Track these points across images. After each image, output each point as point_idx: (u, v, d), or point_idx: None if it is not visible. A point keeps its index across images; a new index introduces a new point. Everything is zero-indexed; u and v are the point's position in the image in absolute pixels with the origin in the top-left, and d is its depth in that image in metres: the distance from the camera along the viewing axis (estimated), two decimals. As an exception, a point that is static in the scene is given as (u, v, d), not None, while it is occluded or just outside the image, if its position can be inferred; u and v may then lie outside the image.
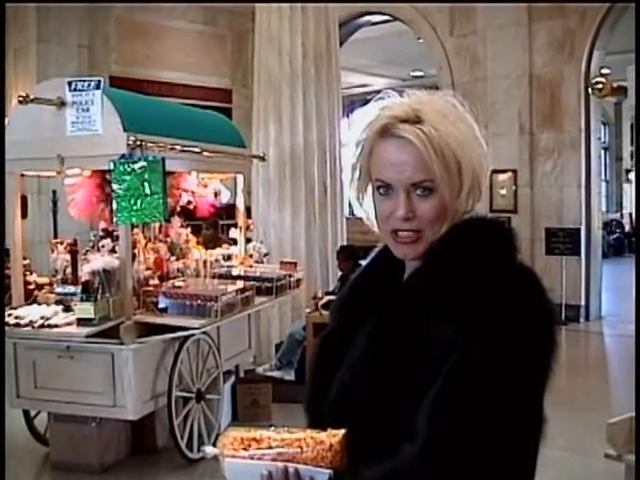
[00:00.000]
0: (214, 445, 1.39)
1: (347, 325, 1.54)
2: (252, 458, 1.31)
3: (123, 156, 4.83)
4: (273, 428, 1.35)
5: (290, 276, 6.49)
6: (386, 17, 12.61)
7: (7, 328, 4.89)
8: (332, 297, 6.69)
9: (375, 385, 1.40)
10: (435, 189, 1.41)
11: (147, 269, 5.40)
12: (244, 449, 1.32)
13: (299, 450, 1.30)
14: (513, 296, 1.35)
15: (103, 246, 5.42)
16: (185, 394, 5.36)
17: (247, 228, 7.02)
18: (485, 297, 1.34)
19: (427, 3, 11.57)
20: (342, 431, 1.32)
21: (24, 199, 6.47)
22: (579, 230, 10.54)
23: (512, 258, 1.44)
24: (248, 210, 7.43)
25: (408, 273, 1.50)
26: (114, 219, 4.97)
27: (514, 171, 10.87)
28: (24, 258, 5.63)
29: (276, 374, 7.06)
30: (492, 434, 1.28)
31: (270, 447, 1.31)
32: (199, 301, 5.07)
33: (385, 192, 1.45)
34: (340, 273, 7.43)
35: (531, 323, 1.34)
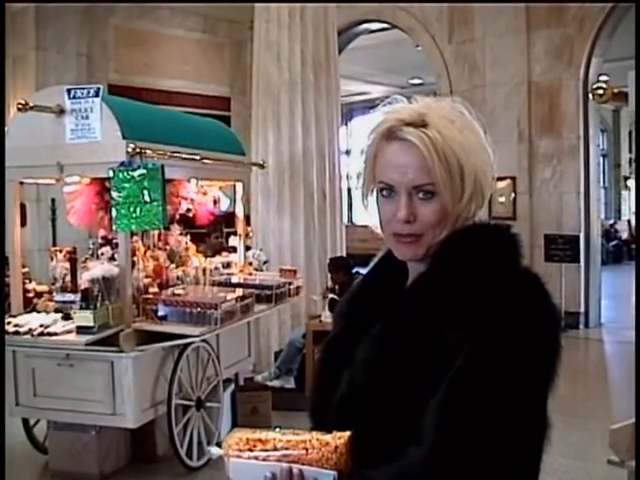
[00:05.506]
0: (219, 446, 1.38)
1: (351, 330, 1.54)
2: (257, 459, 1.31)
3: (122, 163, 4.82)
4: (279, 429, 1.35)
5: (290, 284, 6.47)
6: (384, 25, 12.62)
7: (6, 336, 4.87)
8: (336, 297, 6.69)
9: (381, 388, 1.39)
10: (437, 193, 1.41)
11: (146, 277, 5.38)
12: (249, 450, 1.31)
13: (304, 451, 1.30)
14: (518, 301, 1.35)
15: (102, 254, 5.41)
16: (185, 402, 5.34)
17: (246, 236, 7.01)
18: (491, 302, 1.34)
19: (425, 11, 11.60)
20: (347, 433, 1.32)
21: (23, 207, 6.46)
22: (578, 237, 10.53)
23: (517, 263, 1.44)
24: (247, 218, 7.42)
25: (412, 278, 1.50)
26: (113, 227, 4.95)
27: (513, 178, 10.87)
28: (23, 266, 5.61)
29: (275, 383, 7.03)
30: (497, 438, 1.28)
31: (275, 448, 1.30)
32: (199, 309, 5.04)
33: (388, 194, 1.45)
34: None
35: (536, 328, 1.34)
